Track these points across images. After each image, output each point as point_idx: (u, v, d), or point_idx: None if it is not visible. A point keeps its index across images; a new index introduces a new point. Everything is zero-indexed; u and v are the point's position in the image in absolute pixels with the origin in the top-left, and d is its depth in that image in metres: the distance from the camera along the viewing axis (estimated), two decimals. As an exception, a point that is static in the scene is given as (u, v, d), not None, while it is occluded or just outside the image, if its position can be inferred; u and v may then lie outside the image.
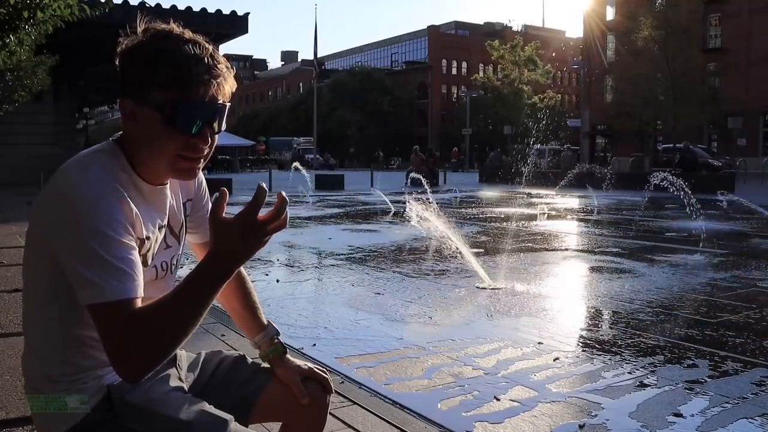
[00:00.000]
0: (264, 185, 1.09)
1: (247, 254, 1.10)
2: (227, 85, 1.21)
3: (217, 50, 1.21)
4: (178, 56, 1.14)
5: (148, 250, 1.24)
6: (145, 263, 1.24)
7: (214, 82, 1.17)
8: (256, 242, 1.09)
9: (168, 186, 1.31)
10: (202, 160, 1.23)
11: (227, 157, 38.83)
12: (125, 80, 1.18)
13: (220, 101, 1.20)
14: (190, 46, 1.16)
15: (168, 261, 1.33)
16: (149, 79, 1.15)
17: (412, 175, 20.74)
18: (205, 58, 1.16)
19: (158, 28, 1.19)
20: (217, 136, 1.24)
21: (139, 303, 1.09)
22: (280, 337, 1.53)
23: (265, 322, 1.54)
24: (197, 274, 1.09)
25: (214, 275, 1.09)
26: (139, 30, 1.19)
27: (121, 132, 1.25)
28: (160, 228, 1.28)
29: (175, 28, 1.20)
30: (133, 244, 1.14)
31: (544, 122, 41.57)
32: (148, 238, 1.23)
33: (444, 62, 69.14)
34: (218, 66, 1.18)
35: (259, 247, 1.11)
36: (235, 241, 1.08)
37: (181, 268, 1.43)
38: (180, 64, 1.14)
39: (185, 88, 1.14)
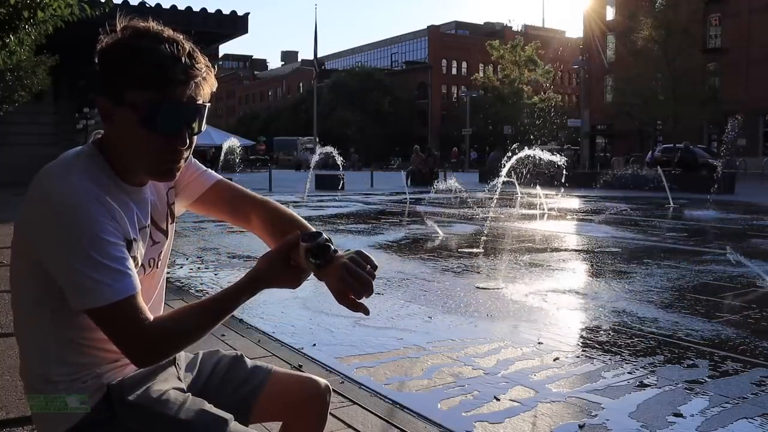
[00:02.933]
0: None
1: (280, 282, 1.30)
2: (206, 86, 1.19)
3: (197, 50, 1.19)
4: (155, 55, 1.12)
5: (135, 251, 1.23)
6: (135, 264, 1.24)
7: (192, 82, 1.15)
8: (290, 277, 1.31)
9: (148, 185, 1.29)
10: (182, 161, 1.22)
11: (233, 156, 38.80)
12: (102, 79, 1.16)
13: (199, 102, 1.18)
14: (168, 46, 1.13)
15: (155, 257, 1.32)
16: (125, 78, 1.13)
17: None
18: (183, 58, 1.14)
19: (137, 26, 1.17)
20: (195, 137, 1.22)
21: (139, 297, 1.13)
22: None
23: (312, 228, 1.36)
24: (230, 293, 1.24)
25: (243, 297, 1.25)
26: (118, 28, 1.17)
27: (102, 133, 1.23)
28: (142, 229, 1.26)
29: (153, 26, 1.17)
30: (123, 242, 1.15)
31: (543, 121, 41.55)
32: (134, 239, 1.21)
33: (444, 62, 69.13)
34: (196, 66, 1.16)
35: (293, 281, 1.32)
36: (276, 270, 1.27)
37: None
38: (157, 63, 1.12)
39: (162, 88, 1.12)
